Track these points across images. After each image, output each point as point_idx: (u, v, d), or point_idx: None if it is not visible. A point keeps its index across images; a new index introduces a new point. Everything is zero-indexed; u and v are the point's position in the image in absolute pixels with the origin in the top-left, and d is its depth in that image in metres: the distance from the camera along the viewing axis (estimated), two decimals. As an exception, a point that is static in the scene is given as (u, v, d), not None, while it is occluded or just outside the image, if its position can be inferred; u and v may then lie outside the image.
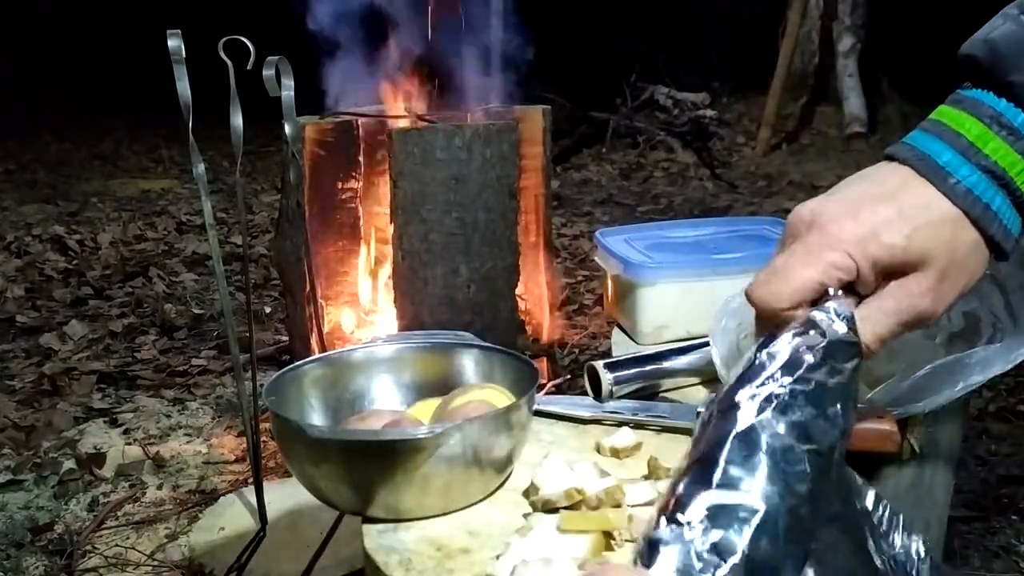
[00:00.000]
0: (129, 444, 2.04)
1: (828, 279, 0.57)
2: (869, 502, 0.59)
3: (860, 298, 0.58)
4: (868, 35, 5.80)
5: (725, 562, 0.44)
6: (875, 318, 0.58)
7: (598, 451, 0.88)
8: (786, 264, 0.58)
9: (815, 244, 0.57)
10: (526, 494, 0.78)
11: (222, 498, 1.77)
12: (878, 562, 0.58)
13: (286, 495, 1.64)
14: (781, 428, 0.49)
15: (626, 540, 0.68)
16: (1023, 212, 0.58)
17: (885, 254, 0.56)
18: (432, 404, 0.87)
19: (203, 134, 1.37)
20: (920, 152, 0.58)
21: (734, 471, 0.48)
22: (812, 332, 0.54)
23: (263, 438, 1.73)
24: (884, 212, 0.57)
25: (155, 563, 1.60)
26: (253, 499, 1.52)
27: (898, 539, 0.60)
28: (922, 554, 0.60)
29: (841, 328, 0.55)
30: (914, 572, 0.60)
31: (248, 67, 1.27)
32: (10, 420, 2.15)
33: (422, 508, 0.76)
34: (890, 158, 0.59)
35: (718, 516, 0.46)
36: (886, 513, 0.60)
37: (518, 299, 1.85)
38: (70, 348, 2.65)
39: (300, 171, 1.69)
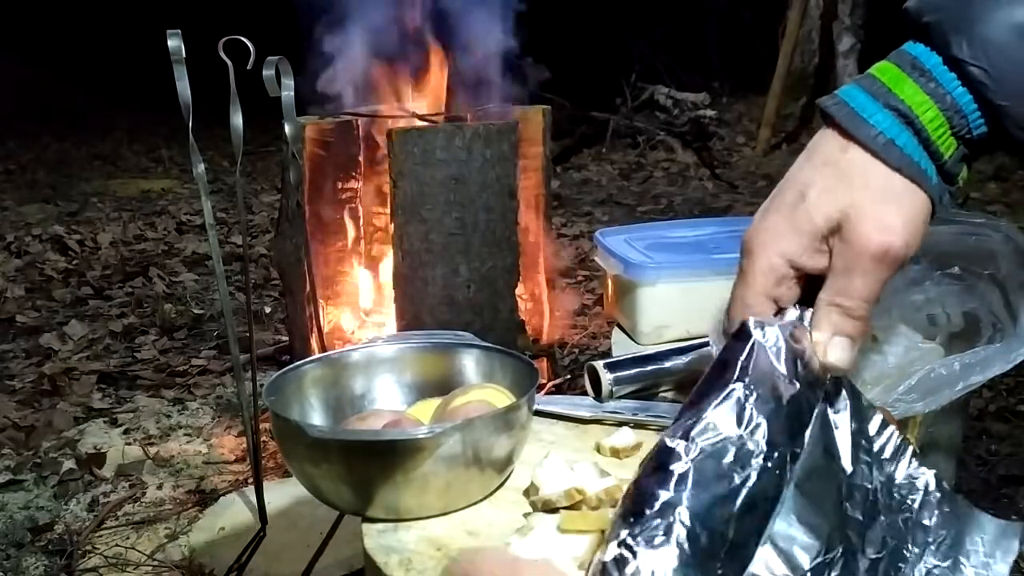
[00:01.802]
0: (129, 444, 2.04)
1: (767, 288, 0.59)
2: (872, 427, 0.61)
3: None
4: (868, 35, 5.80)
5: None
6: (839, 285, 0.57)
7: (598, 451, 0.88)
8: (733, 291, 0.62)
9: (746, 264, 0.61)
10: (526, 494, 0.78)
11: (222, 498, 1.77)
12: (851, 469, 0.59)
13: (286, 495, 1.64)
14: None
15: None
16: (935, 157, 0.57)
17: (807, 231, 0.57)
18: (432, 404, 0.87)
19: (203, 134, 1.37)
20: (838, 99, 0.59)
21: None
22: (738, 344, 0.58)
23: (263, 438, 1.73)
24: (794, 190, 0.58)
25: (155, 563, 1.60)
26: (253, 499, 1.53)
27: (903, 469, 0.60)
28: (931, 487, 0.60)
29: (760, 337, 0.57)
30: (915, 501, 0.60)
31: (248, 67, 1.26)
32: (10, 420, 2.15)
33: (422, 508, 0.76)
34: (820, 109, 0.60)
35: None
36: (892, 442, 0.61)
37: (518, 299, 1.85)
38: (70, 348, 2.65)
39: (300, 171, 1.69)
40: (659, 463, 0.52)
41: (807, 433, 0.56)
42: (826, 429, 0.58)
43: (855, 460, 0.58)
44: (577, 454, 0.87)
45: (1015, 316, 0.91)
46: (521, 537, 0.69)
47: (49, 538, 1.70)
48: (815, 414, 0.57)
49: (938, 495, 0.60)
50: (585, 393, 1.03)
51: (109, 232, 3.93)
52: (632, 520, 0.49)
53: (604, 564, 0.49)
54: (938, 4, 0.57)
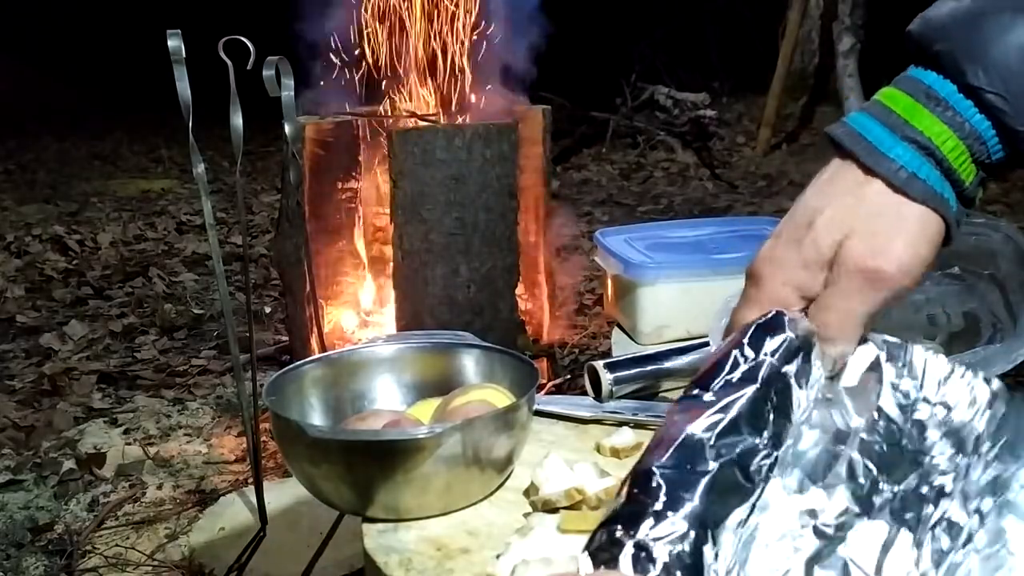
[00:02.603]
0: (129, 444, 2.04)
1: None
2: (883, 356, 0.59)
3: None
4: (868, 35, 5.80)
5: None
6: (829, 302, 0.57)
7: (598, 451, 0.88)
8: (733, 316, 0.60)
9: (752, 292, 0.59)
10: (526, 494, 0.78)
11: (222, 498, 1.77)
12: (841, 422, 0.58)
13: (286, 495, 1.64)
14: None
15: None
16: (956, 185, 0.56)
17: (814, 259, 0.56)
18: (432, 404, 0.87)
19: (203, 134, 1.37)
20: (851, 130, 0.58)
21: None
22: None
23: (263, 438, 1.73)
24: (804, 218, 0.57)
25: (155, 563, 1.60)
26: (253, 499, 1.53)
27: (931, 388, 0.59)
28: (982, 393, 0.58)
29: (792, 333, 0.57)
30: (963, 415, 0.58)
31: (248, 67, 1.27)
32: (10, 420, 2.15)
33: (422, 508, 0.76)
34: (829, 137, 0.59)
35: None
36: (917, 363, 0.59)
37: (518, 299, 1.85)
38: (70, 348, 2.65)
39: (300, 171, 1.69)
40: (684, 458, 0.51)
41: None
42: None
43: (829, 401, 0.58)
44: (577, 454, 0.87)
45: (1015, 316, 0.91)
46: (521, 537, 0.69)
47: (49, 538, 1.70)
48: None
49: (988, 398, 0.59)
50: (585, 393, 1.03)
51: (109, 232, 3.93)
52: (653, 519, 0.48)
53: (617, 558, 0.48)
54: (946, 31, 0.56)
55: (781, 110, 5.57)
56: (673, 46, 6.35)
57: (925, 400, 0.59)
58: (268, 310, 2.95)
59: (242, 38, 1.25)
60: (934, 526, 0.56)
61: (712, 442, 0.51)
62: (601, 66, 5.87)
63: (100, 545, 1.66)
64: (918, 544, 0.56)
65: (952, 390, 0.59)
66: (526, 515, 0.75)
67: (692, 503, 0.49)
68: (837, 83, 5.83)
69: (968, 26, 0.55)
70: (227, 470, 1.92)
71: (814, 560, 0.54)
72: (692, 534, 0.48)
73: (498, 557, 0.67)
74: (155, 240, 3.90)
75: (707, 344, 1.02)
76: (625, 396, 1.00)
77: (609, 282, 1.41)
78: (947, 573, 0.55)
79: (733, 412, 0.53)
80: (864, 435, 0.57)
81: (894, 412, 0.59)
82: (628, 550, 0.47)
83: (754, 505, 0.52)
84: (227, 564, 1.50)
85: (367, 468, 0.74)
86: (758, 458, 0.52)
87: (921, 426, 0.59)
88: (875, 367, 0.59)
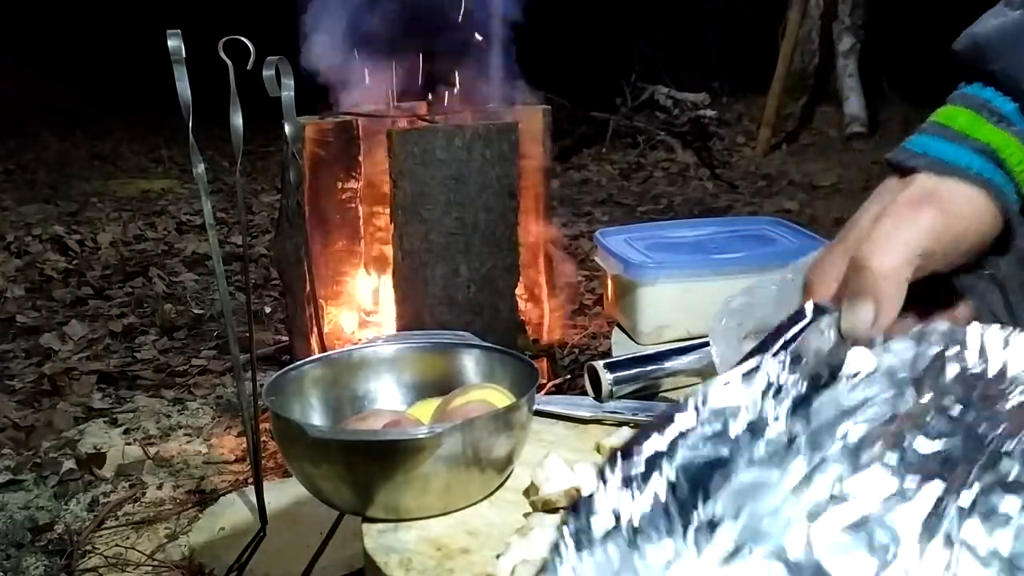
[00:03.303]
0: (129, 444, 2.04)
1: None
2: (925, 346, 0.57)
3: None
4: (868, 35, 5.80)
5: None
6: (876, 235, 0.54)
7: (598, 451, 0.88)
8: None
9: (804, 299, 0.58)
10: (526, 494, 0.78)
11: (222, 498, 1.77)
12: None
13: (286, 495, 1.64)
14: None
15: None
16: (1019, 192, 0.56)
17: (853, 240, 0.56)
18: (432, 404, 0.87)
19: (203, 134, 1.37)
20: (911, 152, 0.57)
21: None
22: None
23: (263, 438, 1.73)
24: (851, 221, 0.57)
25: (155, 563, 1.60)
26: (253, 499, 1.53)
27: (995, 360, 0.57)
28: None
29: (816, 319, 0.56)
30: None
31: (248, 67, 1.27)
32: (10, 420, 2.15)
33: (422, 508, 0.76)
34: (888, 163, 0.58)
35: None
36: (974, 341, 0.57)
37: (518, 299, 1.85)
38: (70, 348, 2.65)
39: (300, 171, 1.69)
40: (667, 413, 0.51)
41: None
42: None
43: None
44: (577, 454, 0.87)
45: (1015, 316, 0.91)
46: (521, 537, 0.69)
47: (49, 538, 1.70)
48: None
49: None
50: (585, 393, 1.03)
51: (109, 232, 3.93)
52: (618, 458, 0.49)
53: (580, 493, 0.48)
54: (997, 50, 0.56)
55: (781, 110, 5.57)
56: (673, 46, 6.35)
57: (998, 376, 0.57)
58: (268, 310, 2.95)
59: (242, 38, 1.25)
60: (987, 488, 0.54)
61: (721, 405, 0.51)
62: (601, 66, 5.87)
63: (100, 545, 1.66)
64: (961, 508, 0.54)
65: (1003, 371, 0.57)
66: (526, 515, 0.75)
67: (679, 436, 0.49)
68: (837, 83, 5.83)
69: (1021, 43, 0.55)
70: (227, 470, 1.92)
71: (836, 523, 0.53)
72: (665, 455, 0.48)
73: (498, 557, 0.67)
74: (155, 240, 3.90)
75: (707, 344, 1.02)
76: (625, 396, 1.00)
77: (609, 282, 1.41)
78: (999, 528, 0.53)
79: (739, 380, 0.53)
80: (913, 412, 0.56)
81: (958, 390, 0.56)
82: (611, 455, 0.48)
83: (751, 460, 0.51)
84: (227, 564, 1.50)
85: (367, 468, 0.74)
86: (756, 415, 0.52)
87: (990, 401, 0.57)
88: (939, 356, 0.57)
